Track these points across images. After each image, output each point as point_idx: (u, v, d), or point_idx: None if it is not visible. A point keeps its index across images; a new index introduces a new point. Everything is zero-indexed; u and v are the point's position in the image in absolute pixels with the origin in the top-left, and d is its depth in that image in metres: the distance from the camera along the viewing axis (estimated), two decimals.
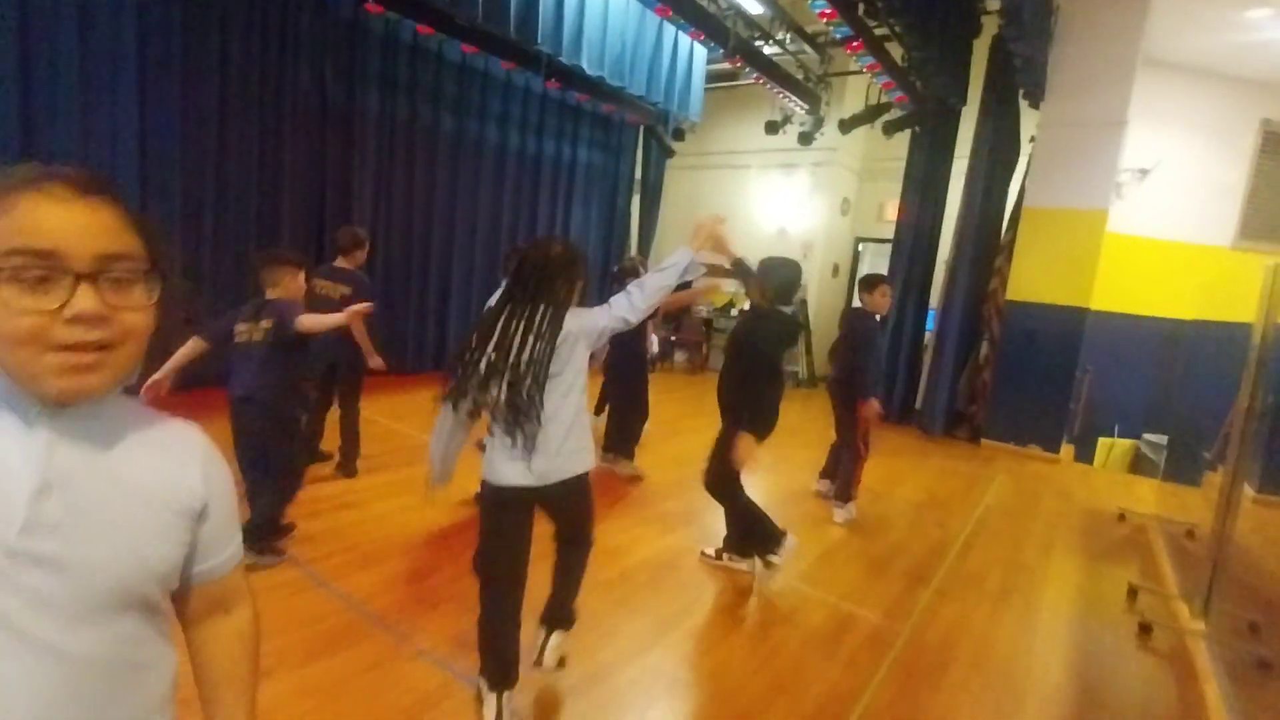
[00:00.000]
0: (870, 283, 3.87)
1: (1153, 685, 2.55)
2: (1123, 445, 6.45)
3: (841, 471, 3.97)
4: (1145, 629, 2.92)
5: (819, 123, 7.85)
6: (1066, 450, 6.04)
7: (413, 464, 4.07)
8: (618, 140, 8.67)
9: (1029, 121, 6.29)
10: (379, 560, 2.83)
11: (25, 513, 0.58)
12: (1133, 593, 3.25)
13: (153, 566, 0.66)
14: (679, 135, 8.73)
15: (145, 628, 0.66)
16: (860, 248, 9.70)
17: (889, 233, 7.35)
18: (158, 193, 4.67)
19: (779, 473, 4.65)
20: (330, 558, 2.79)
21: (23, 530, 0.57)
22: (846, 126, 7.30)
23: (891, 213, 7.61)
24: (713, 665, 2.36)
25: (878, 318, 3.94)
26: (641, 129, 8.74)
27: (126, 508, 0.65)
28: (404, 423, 4.90)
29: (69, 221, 0.58)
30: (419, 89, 6.27)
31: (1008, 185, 6.48)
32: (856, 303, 4.16)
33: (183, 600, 0.75)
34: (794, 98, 7.30)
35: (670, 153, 8.82)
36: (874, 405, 3.75)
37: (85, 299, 0.58)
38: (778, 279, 2.90)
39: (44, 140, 4.11)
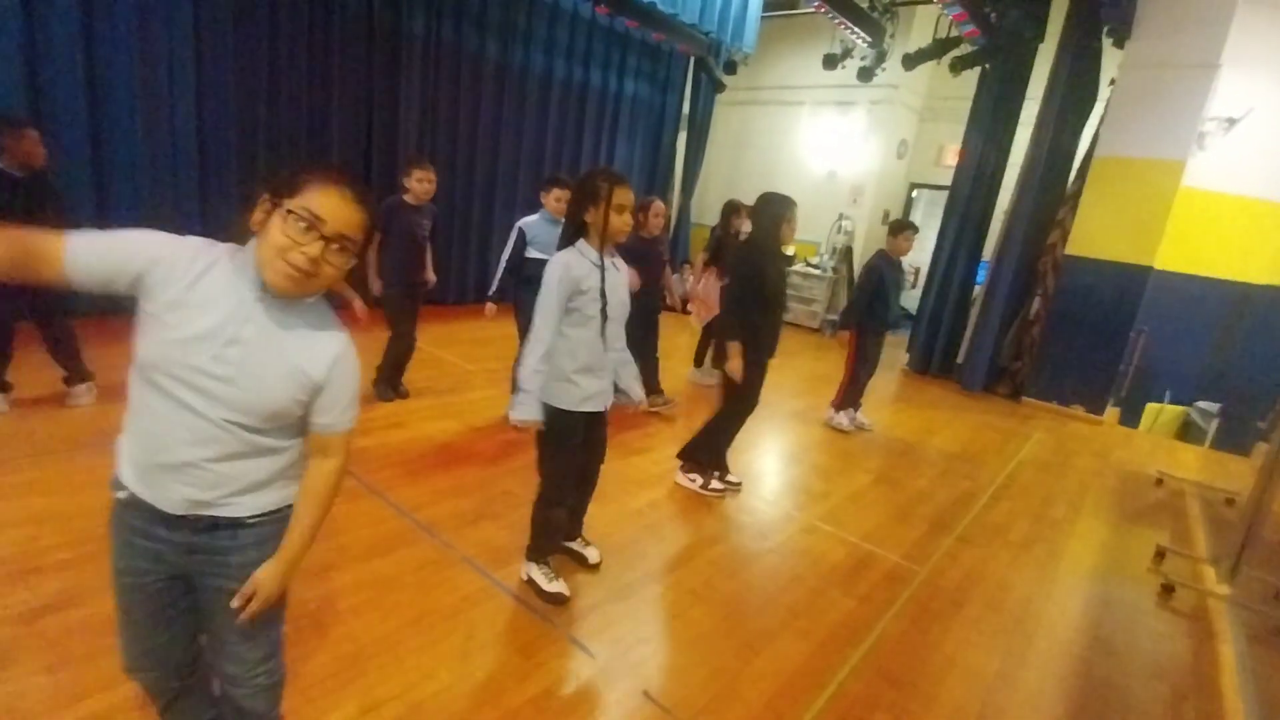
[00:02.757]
0: (900, 226, 4.35)
1: (1168, 641, 2.60)
2: (1171, 412, 6.24)
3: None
4: (1168, 589, 2.94)
5: (881, 57, 7.39)
6: (1111, 413, 5.90)
7: (456, 390, 4.25)
8: (666, 72, 8.37)
9: (1110, 63, 5.83)
10: (426, 475, 3.03)
11: (217, 351, 1.00)
12: (1160, 554, 3.25)
13: (271, 405, 1.07)
14: (731, 68, 8.37)
15: (265, 439, 1.09)
16: (915, 194, 9.32)
17: (947, 179, 7.02)
18: (213, 116, 4.80)
19: (810, 420, 4.71)
20: (382, 470, 3.00)
21: (212, 359, 1.00)
22: (911, 62, 6.87)
23: (951, 157, 7.25)
24: (734, 588, 2.50)
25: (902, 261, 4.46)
26: (692, 61, 8.40)
27: (274, 365, 1.05)
28: (448, 350, 5.08)
29: (337, 208, 1.01)
30: (465, 13, 6.14)
31: (1080, 132, 6.08)
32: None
33: (305, 438, 1.16)
34: (856, 29, 6.87)
35: (721, 86, 8.48)
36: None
37: (315, 248, 1.00)
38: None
39: (102, 63, 4.24)
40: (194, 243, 1.05)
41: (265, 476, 1.12)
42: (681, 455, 3.30)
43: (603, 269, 2.02)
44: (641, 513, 2.97)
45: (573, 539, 2.50)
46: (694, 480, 3.27)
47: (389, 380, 3.93)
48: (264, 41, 4.95)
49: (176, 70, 4.54)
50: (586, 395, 2.09)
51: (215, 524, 1.10)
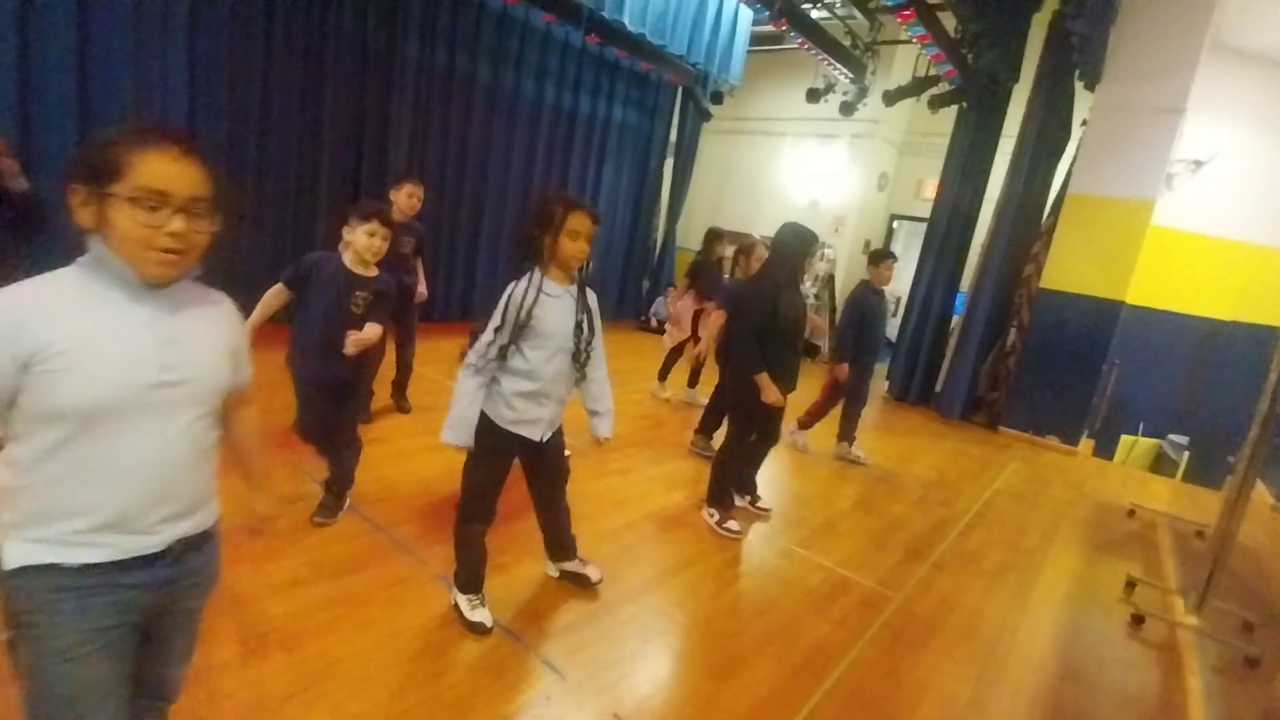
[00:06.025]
0: (880, 256, 4.44)
1: (1136, 671, 2.62)
2: (1145, 444, 6.37)
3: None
4: (1138, 619, 2.97)
5: (862, 93, 7.64)
6: (1086, 444, 6.00)
7: (437, 407, 4.21)
8: (654, 100, 8.55)
9: (1082, 104, 6.06)
10: (401, 492, 3.00)
11: (159, 360, 1.00)
12: (1131, 585, 3.29)
13: (224, 380, 1.12)
14: (717, 98, 8.56)
15: (213, 419, 1.12)
16: (895, 225, 9.54)
17: (926, 211, 7.21)
18: (205, 132, 4.79)
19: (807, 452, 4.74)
20: (358, 486, 2.95)
21: (160, 369, 1.00)
22: (891, 98, 7.10)
23: (930, 190, 7.45)
24: (708, 612, 2.49)
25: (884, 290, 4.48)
26: (679, 90, 8.59)
27: (209, 347, 1.09)
28: (430, 367, 5.04)
29: (176, 173, 0.96)
30: (459, 37, 6.25)
31: (1054, 170, 6.29)
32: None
33: (227, 397, 1.17)
34: (838, 65, 7.10)
35: (707, 116, 8.67)
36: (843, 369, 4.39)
37: (178, 223, 0.97)
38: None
39: (97, 81, 4.24)
40: (24, 288, 0.94)
41: (210, 476, 1.13)
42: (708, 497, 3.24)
43: (576, 298, 2.01)
44: (618, 534, 2.95)
45: (568, 560, 2.45)
46: (712, 515, 3.19)
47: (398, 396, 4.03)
48: (258, 62, 5.00)
49: (171, 89, 4.56)
50: (520, 419, 2.02)
51: (189, 544, 1.10)
